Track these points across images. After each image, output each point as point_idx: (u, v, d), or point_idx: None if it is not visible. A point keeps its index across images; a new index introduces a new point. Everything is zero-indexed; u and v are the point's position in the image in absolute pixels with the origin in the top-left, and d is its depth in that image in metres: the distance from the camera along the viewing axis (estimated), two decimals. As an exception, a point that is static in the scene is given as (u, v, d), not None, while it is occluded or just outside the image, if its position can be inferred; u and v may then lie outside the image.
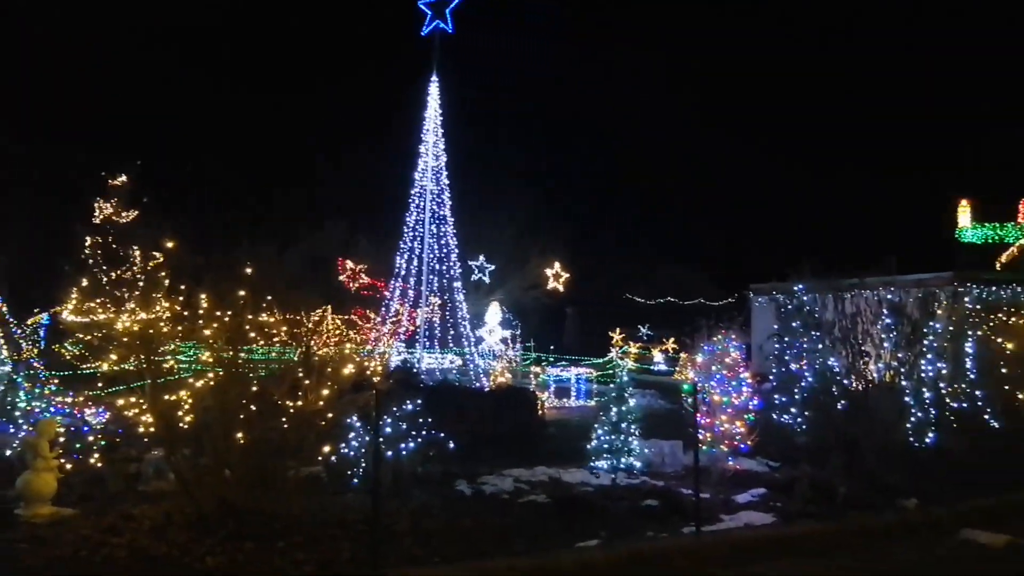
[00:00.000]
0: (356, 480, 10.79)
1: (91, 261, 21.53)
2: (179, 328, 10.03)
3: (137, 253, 20.81)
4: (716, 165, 73.16)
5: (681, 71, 79.39)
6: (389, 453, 10.84)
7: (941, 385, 13.75)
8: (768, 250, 41.84)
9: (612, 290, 51.95)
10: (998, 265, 32.53)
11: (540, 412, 18.48)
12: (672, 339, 35.41)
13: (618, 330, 35.77)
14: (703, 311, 14.74)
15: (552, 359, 29.84)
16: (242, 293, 9.87)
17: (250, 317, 9.82)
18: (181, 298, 9.96)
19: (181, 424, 9.52)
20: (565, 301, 35.87)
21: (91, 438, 11.13)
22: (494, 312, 28.20)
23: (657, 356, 36.62)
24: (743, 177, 71.36)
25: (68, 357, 20.09)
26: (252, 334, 9.97)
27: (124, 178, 22.02)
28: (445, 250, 23.35)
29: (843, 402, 13.31)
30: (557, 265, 32.88)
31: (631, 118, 74.52)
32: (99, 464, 11.13)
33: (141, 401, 9.64)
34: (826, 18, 78.11)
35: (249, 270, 10.42)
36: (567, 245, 36.36)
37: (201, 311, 9.77)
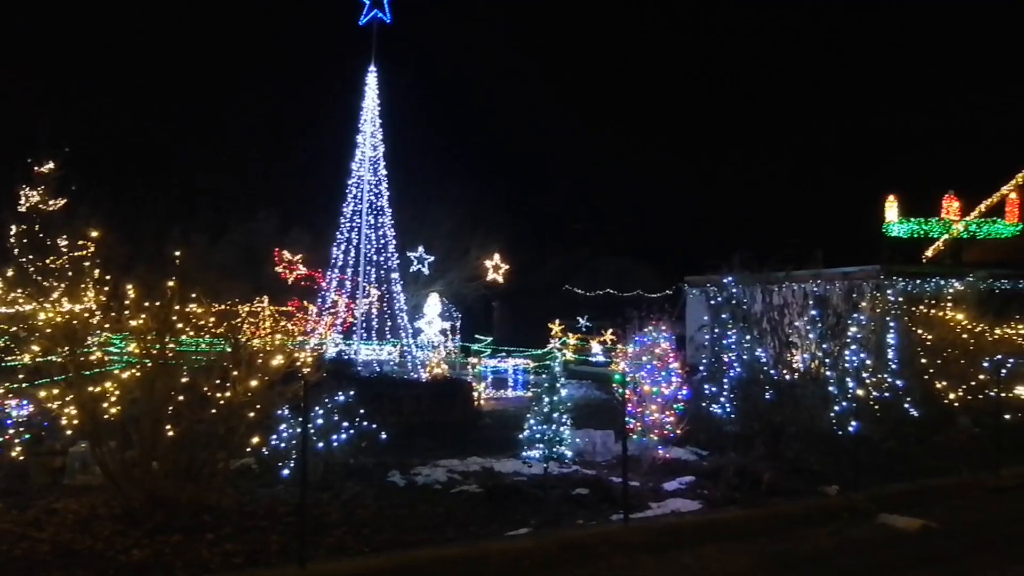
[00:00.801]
0: (287, 472, 10.73)
1: (16, 250, 21.03)
2: (106, 319, 9.89)
3: (64, 242, 20.40)
4: (657, 158, 74.02)
5: (622, 65, 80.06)
6: (320, 444, 10.82)
7: (864, 375, 14.15)
8: (706, 243, 42.43)
9: (552, 281, 52.24)
10: (924, 259, 33.53)
11: (476, 403, 18.57)
12: (610, 330, 35.77)
13: (557, 321, 36.00)
14: (642, 302, 14.94)
15: (491, 350, 29.94)
16: (171, 283, 9.76)
17: (178, 308, 9.70)
18: (107, 288, 9.80)
19: (107, 416, 9.39)
20: (505, 292, 35.99)
21: (12, 431, 10.89)
22: (433, 303, 28.18)
23: (595, 347, 36.94)
24: (684, 171, 72.35)
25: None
26: (181, 325, 9.86)
27: (51, 165, 21.51)
28: (383, 241, 23.24)
29: (770, 392, 13.64)
30: (497, 256, 32.97)
31: (571, 110, 75.02)
32: (22, 458, 10.92)
33: (65, 393, 9.48)
34: (760, 15, 79.46)
35: (179, 260, 10.30)
36: (508, 236, 36.51)
37: (128, 301, 9.63)
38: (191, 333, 10.16)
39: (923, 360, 15.74)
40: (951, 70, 71.43)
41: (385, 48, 24.09)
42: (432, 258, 29.34)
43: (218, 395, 9.46)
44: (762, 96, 78.59)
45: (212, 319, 9.96)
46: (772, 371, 13.95)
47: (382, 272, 23.33)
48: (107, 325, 9.93)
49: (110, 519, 9.21)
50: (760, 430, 13.37)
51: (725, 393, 14.27)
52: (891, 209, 30.47)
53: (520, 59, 78.40)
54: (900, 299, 17.05)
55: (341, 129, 24.75)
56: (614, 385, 13.51)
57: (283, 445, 10.84)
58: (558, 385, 12.89)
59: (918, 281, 20.86)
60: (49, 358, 9.76)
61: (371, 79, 23.56)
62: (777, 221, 50.93)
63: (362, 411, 11.67)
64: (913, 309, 17.05)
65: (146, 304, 9.67)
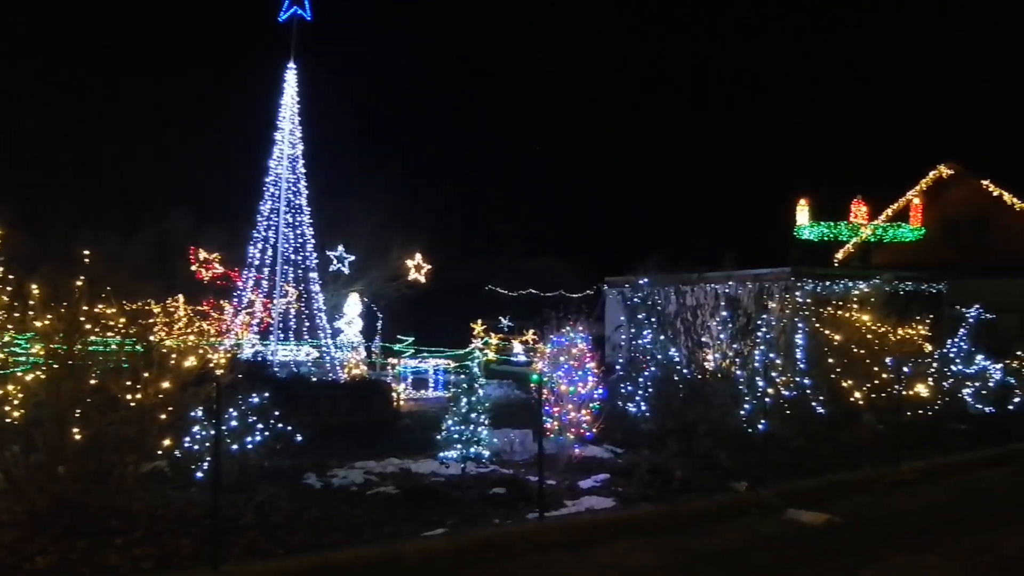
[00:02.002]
0: (200, 474, 10.58)
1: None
2: (9, 319, 9.58)
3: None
4: (580, 159, 74.70)
5: (543, 63, 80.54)
6: (235, 447, 10.70)
7: (773, 374, 14.59)
8: (628, 244, 43.12)
9: (475, 281, 52.31)
10: (835, 262, 34.62)
11: (395, 404, 18.52)
12: (531, 330, 36.00)
13: (480, 321, 36.08)
14: (563, 303, 15.13)
15: (412, 351, 29.85)
16: (79, 283, 9.51)
17: (87, 308, 9.46)
18: (10, 288, 9.49)
19: (9, 420, 9.11)
20: (427, 292, 35.87)
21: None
22: (353, 303, 27.95)
23: (517, 347, 37.15)
24: (606, 172, 73.22)
25: None
26: (90, 326, 9.62)
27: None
28: (301, 240, 22.96)
29: (683, 390, 13.97)
30: (419, 256, 32.86)
31: (494, 109, 75.19)
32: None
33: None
34: (675, 17, 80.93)
35: (88, 259, 10.04)
36: (430, 235, 36.39)
37: (33, 302, 9.35)
38: (100, 334, 9.91)
39: (830, 360, 16.27)
40: (863, 79, 73.86)
41: (305, 45, 23.84)
42: (352, 257, 29.09)
43: (129, 397, 9.26)
44: (679, 100, 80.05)
45: (123, 319, 9.73)
46: (685, 370, 14.27)
47: (300, 271, 23.05)
48: (10, 326, 9.60)
49: (13, 525, 8.96)
50: (673, 428, 13.68)
51: (640, 392, 14.54)
52: (802, 212, 31.37)
53: (441, 56, 78.26)
54: (809, 300, 17.59)
55: (259, 127, 24.37)
56: (532, 385, 13.66)
57: (196, 447, 10.69)
58: (476, 385, 12.98)
59: (827, 283, 21.52)
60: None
61: (290, 76, 23.26)
62: (694, 224, 51.96)
63: (277, 413, 11.56)
64: (821, 310, 17.59)
65: (52, 304, 9.41)
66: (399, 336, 31.09)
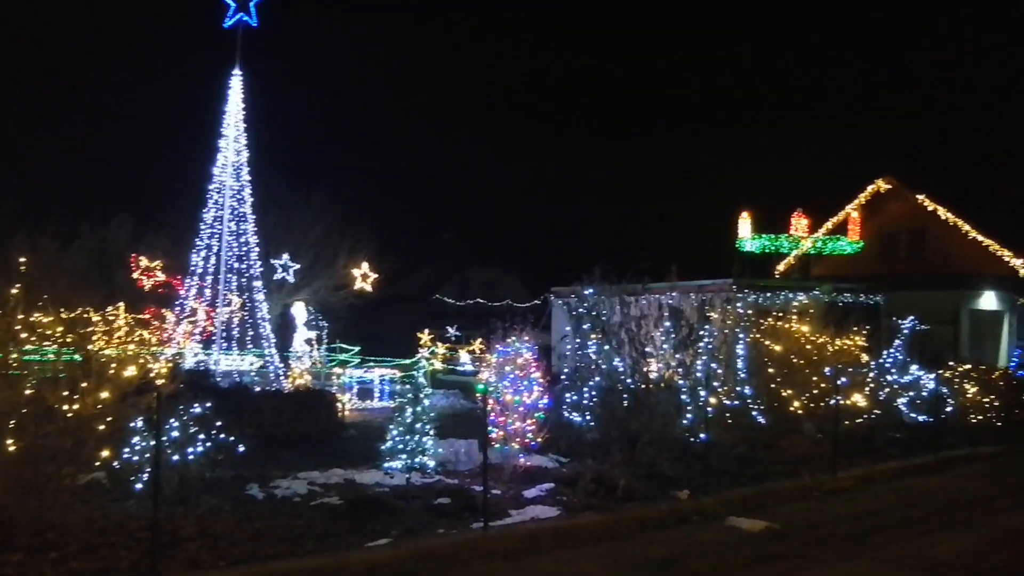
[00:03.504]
0: (140, 486, 10.41)
1: None
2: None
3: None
4: (527, 170, 75.05)
5: (486, 73, 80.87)
6: (175, 457, 10.54)
7: (715, 384, 14.82)
8: (574, 255, 43.34)
9: (423, 290, 52.20)
10: (777, 274, 35.21)
11: (340, 414, 18.41)
12: (479, 340, 36.02)
13: (427, 331, 35.98)
14: (510, 313, 15.20)
15: (358, 360, 29.65)
16: (15, 291, 9.33)
17: (23, 316, 9.28)
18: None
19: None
20: (374, 301, 35.68)
21: None
22: (299, 312, 27.69)
23: (464, 357, 37.12)
24: (552, 183, 73.65)
25: None
26: (26, 334, 9.43)
27: None
28: (245, 248, 22.69)
29: (627, 400, 14.11)
30: (366, 265, 32.68)
31: (442, 118, 75.24)
32: None
33: None
34: (620, 37, 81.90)
35: (24, 266, 9.85)
36: (377, 244, 36.22)
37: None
38: (37, 343, 9.72)
39: (770, 370, 16.58)
40: (805, 95, 75.41)
41: (251, 52, 23.58)
42: (298, 266, 28.83)
43: (66, 407, 9.09)
44: (625, 114, 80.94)
45: (60, 328, 9.56)
46: (629, 380, 14.42)
47: (244, 280, 22.76)
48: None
49: (-57, 539, 8.73)
50: (617, 437, 13.81)
51: (585, 402, 14.66)
52: (745, 225, 31.86)
53: (388, 65, 78.16)
54: (750, 311, 17.90)
55: (203, 134, 24.02)
56: (478, 395, 13.69)
57: (136, 458, 10.50)
58: (422, 395, 12.96)
59: (768, 294, 21.89)
60: None
61: (235, 83, 22.98)
62: (639, 236, 52.56)
63: (220, 423, 11.41)
64: (762, 321, 17.92)
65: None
66: (344, 346, 30.90)
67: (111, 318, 13.86)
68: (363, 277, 32.04)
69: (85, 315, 10.46)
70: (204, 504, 10.52)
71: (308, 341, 26.72)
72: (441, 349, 36.42)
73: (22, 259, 9.75)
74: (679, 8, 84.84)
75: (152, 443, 9.67)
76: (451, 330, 41.22)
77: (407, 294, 48.52)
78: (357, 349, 31.12)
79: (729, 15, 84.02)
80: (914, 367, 19.45)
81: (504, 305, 51.15)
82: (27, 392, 9.24)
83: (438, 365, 32.67)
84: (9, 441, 8.88)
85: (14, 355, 9.24)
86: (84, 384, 9.12)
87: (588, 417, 14.60)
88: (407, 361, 29.09)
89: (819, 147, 61.59)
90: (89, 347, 9.64)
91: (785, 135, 68.99)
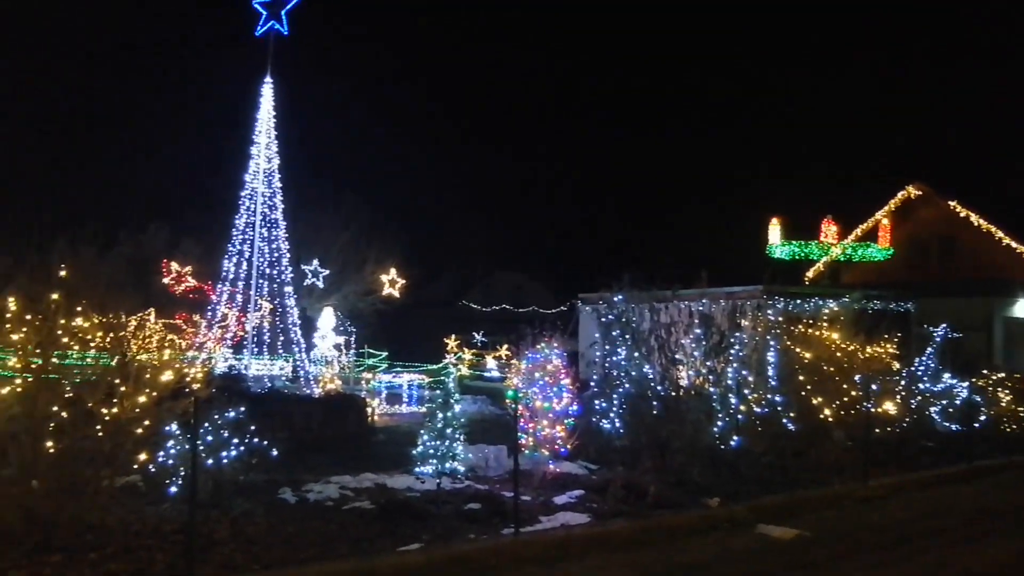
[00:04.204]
0: (175, 489, 10.54)
1: None
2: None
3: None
4: (553, 175, 75.09)
5: (517, 80, 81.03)
6: (210, 461, 10.66)
7: (745, 391, 14.77)
8: (601, 261, 43.37)
9: (449, 296, 52.38)
10: (806, 280, 35.04)
11: (370, 419, 18.52)
12: (505, 346, 36.08)
13: (453, 336, 36.11)
14: (537, 319, 15.26)
15: (386, 365, 29.84)
16: (55, 296, 9.50)
17: (63, 322, 9.45)
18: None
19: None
20: (401, 307, 35.92)
21: None
22: (327, 317, 27.94)
23: (490, 362, 37.20)
24: (579, 190, 73.66)
25: None
26: (66, 339, 9.60)
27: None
28: (276, 254, 22.93)
29: (657, 407, 14.10)
30: (393, 271, 32.90)
31: (468, 125, 75.49)
32: None
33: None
34: (645, 34, 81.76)
35: (64, 272, 10.02)
36: (404, 250, 36.50)
37: (9, 315, 9.32)
38: (76, 347, 9.89)
39: (801, 377, 16.48)
40: (835, 101, 74.92)
41: (282, 59, 23.88)
42: (327, 272, 29.12)
43: (104, 411, 9.25)
44: (654, 118, 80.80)
45: (99, 333, 9.72)
46: (659, 387, 14.41)
47: (275, 285, 23.01)
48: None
49: (-15, 539, 8.89)
50: (647, 444, 13.79)
51: (615, 408, 14.67)
52: (774, 232, 31.77)
53: (417, 71, 78.56)
54: (780, 318, 17.81)
55: (236, 141, 24.37)
56: (507, 401, 13.74)
57: (171, 462, 10.65)
58: (452, 401, 13.02)
59: (798, 301, 21.80)
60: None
61: (266, 90, 23.29)
62: (667, 242, 52.40)
63: (252, 427, 11.54)
64: (792, 328, 17.81)
65: (28, 317, 9.38)
66: (372, 351, 31.11)
67: (145, 323, 14.06)
68: (391, 283, 32.31)
69: (122, 320, 10.60)
70: (237, 508, 10.63)
71: (337, 346, 26.95)
72: (468, 355, 36.49)
73: (62, 265, 9.90)
74: (708, 11, 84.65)
75: (187, 447, 9.85)
76: (477, 336, 41.32)
77: (433, 299, 48.72)
78: (384, 354, 31.33)
79: (759, 19, 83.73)
80: (946, 375, 19.27)
81: (530, 311, 51.29)
82: (66, 395, 9.41)
83: (465, 371, 32.76)
84: (49, 444, 9.05)
85: (55, 359, 9.40)
86: (123, 388, 9.27)
87: (617, 424, 14.60)
88: (434, 366, 29.22)
89: (848, 154, 61.17)
90: (127, 352, 9.78)
91: (814, 142, 68.61)
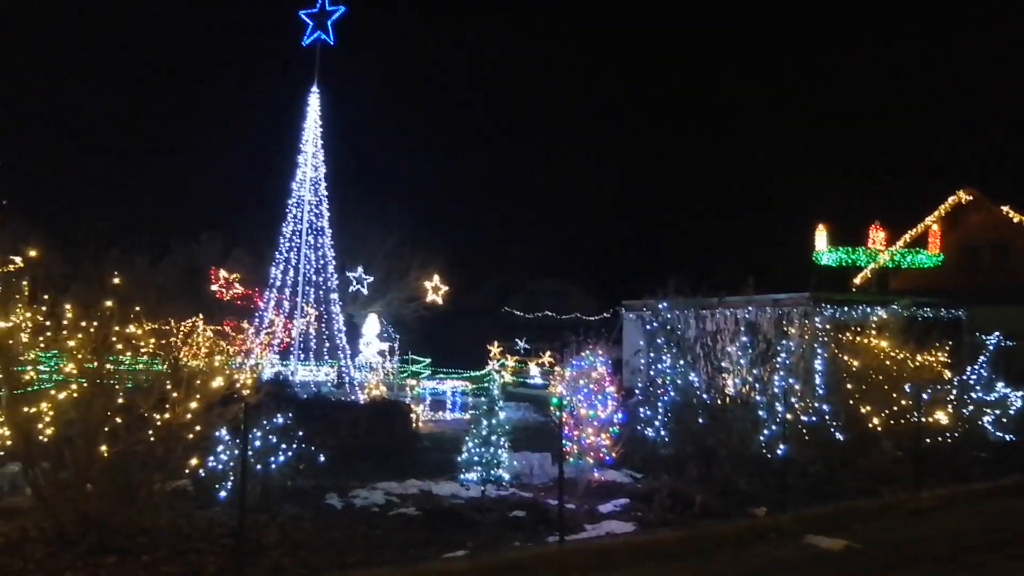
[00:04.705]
0: (224, 494, 10.70)
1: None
2: (41, 338, 9.79)
3: (-9, 258, 19.90)
4: (594, 182, 74.96)
5: (560, 87, 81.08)
6: (258, 467, 10.81)
7: (792, 400, 14.59)
8: (644, 268, 43.17)
9: (491, 302, 52.48)
10: (853, 287, 34.55)
11: (414, 425, 18.61)
12: (548, 352, 36.03)
13: (496, 343, 36.17)
14: (580, 326, 15.23)
15: (429, 372, 29.98)
16: (109, 304, 9.70)
17: (117, 328, 9.66)
18: (44, 308, 9.70)
19: (41, 437, 9.28)
20: (444, 313, 36.11)
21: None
22: (372, 324, 28.17)
23: (533, 369, 37.18)
24: (620, 195, 73.42)
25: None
26: (119, 345, 9.81)
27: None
28: (322, 261, 23.21)
29: (702, 415, 14.00)
30: (437, 277, 33.08)
31: (509, 132, 75.68)
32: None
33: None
34: (693, 41, 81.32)
35: (118, 280, 10.24)
36: (447, 257, 36.71)
37: (66, 321, 9.55)
38: (129, 353, 10.10)
39: (849, 386, 16.25)
40: (883, 104, 73.86)
41: (328, 68, 24.18)
42: (371, 278, 29.41)
43: (156, 416, 9.43)
44: (698, 122, 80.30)
45: (152, 340, 9.92)
46: (705, 395, 14.31)
47: (321, 292, 23.27)
48: (43, 344, 9.82)
49: (42, 542, 9.10)
50: (692, 453, 13.71)
51: (660, 417, 14.59)
52: (820, 238, 31.40)
53: (459, 79, 78.94)
54: (827, 326, 17.56)
55: (284, 150, 24.76)
56: (551, 408, 13.74)
57: (220, 467, 10.82)
58: (496, 408, 13.05)
59: (845, 308, 21.51)
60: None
61: (313, 100, 23.61)
62: (712, 247, 51.99)
63: (300, 433, 11.68)
64: (840, 336, 17.58)
65: (83, 324, 9.60)
66: (416, 357, 31.31)
67: (196, 330, 14.30)
68: (434, 289, 32.48)
69: (174, 327, 10.81)
70: (285, 513, 10.76)
71: (381, 352, 27.15)
72: (510, 361, 36.49)
73: (116, 273, 10.12)
74: (755, 12, 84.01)
75: (237, 452, 10.00)
76: (520, 342, 41.33)
77: (475, 306, 48.86)
78: (428, 360, 31.49)
79: (806, 22, 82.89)
80: (1000, 384, 18.84)
81: (573, 318, 51.19)
82: (120, 401, 9.61)
83: (508, 378, 32.79)
84: (103, 448, 9.25)
85: (109, 365, 9.61)
86: (175, 394, 9.44)
87: (662, 432, 14.52)
88: (477, 373, 29.30)
89: (896, 159, 60.20)
90: (178, 358, 9.97)
91: (861, 146, 67.67)
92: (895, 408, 16.22)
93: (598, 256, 58.13)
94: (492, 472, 12.65)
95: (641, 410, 14.91)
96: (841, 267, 32.07)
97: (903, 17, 80.00)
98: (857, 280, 35.10)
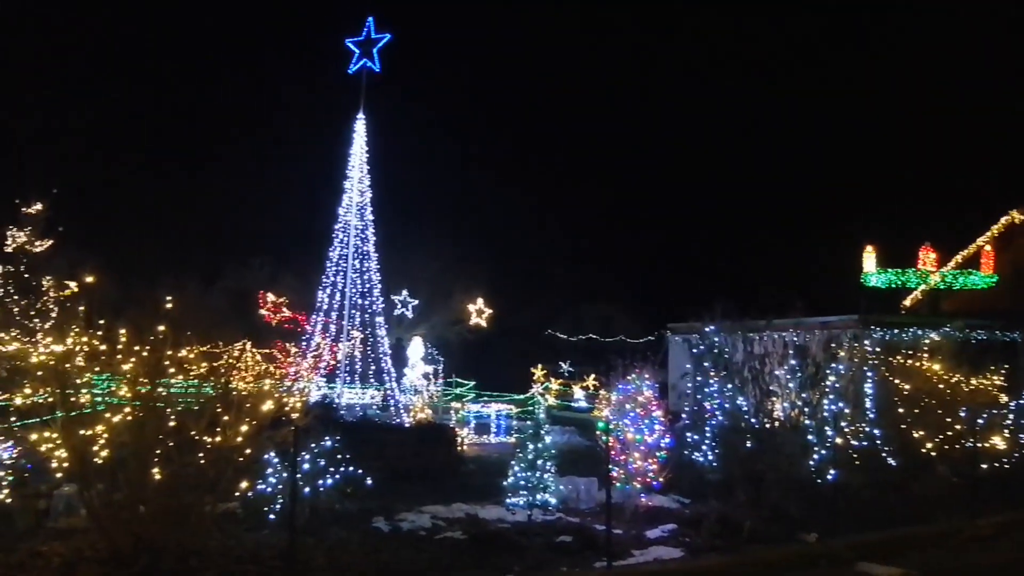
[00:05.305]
0: (272, 516, 10.79)
1: (1, 291, 21.02)
2: (95, 362, 9.99)
3: (49, 283, 20.42)
4: (638, 205, 74.77)
5: (603, 111, 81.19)
6: (307, 490, 10.89)
7: (843, 424, 14.36)
8: (688, 291, 42.83)
9: (534, 326, 52.34)
10: (902, 309, 33.94)
11: (459, 448, 18.62)
12: (592, 376, 35.84)
13: (540, 366, 36.06)
14: (624, 349, 15.15)
15: (473, 395, 29.99)
16: (162, 328, 9.88)
17: (170, 352, 9.82)
18: (99, 332, 9.90)
19: (96, 459, 9.45)
20: (487, 336, 36.14)
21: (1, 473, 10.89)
22: (416, 347, 28.29)
23: (578, 393, 36.99)
24: (665, 219, 73.11)
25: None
26: (172, 369, 9.97)
27: (39, 207, 21.64)
28: (368, 285, 23.41)
29: (751, 440, 13.83)
30: (480, 300, 33.15)
31: (554, 157, 75.86)
32: (7, 500, 10.91)
33: (55, 435, 9.54)
34: (738, 61, 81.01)
35: (171, 304, 10.43)
36: (490, 280, 36.77)
37: (120, 345, 9.74)
38: (181, 377, 10.26)
39: (900, 410, 15.96)
40: (932, 124, 72.84)
41: (374, 95, 24.49)
42: (416, 302, 29.57)
43: (207, 439, 9.55)
44: (743, 144, 79.80)
45: (203, 364, 10.08)
46: (753, 419, 14.15)
47: (367, 316, 23.45)
48: (98, 368, 10.02)
49: (96, 562, 9.24)
50: (741, 478, 13.52)
51: (707, 441, 14.43)
52: (869, 259, 30.96)
53: (503, 106, 79.44)
54: (878, 349, 17.30)
55: (331, 175, 25.10)
56: (598, 432, 13.66)
57: (269, 490, 10.92)
58: (542, 432, 13.01)
59: (895, 331, 21.17)
60: (39, 399, 9.84)
61: (359, 126, 23.91)
62: (757, 270, 51.40)
63: (347, 456, 11.75)
64: (891, 359, 17.29)
65: (136, 348, 9.78)
66: (460, 380, 31.34)
67: (248, 353, 14.49)
68: (478, 312, 32.51)
69: (224, 350, 10.96)
70: (333, 536, 10.81)
71: (425, 375, 27.23)
72: (554, 385, 36.34)
73: (168, 298, 10.30)
74: (797, 34, 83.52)
75: (285, 475, 10.09)
76: (564, 365, 41.15)
77: (519, 329, 48.71)
78: (472, 383, 31.51)
79: (854, 41, 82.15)
80: (1059, 408, 18.35)
81: (616, 341, 50.90)
82: (171, 423, 9.75)
83: (551, 401, 32.65)
84: (155, 470, 9.39)
85: (161, 389, 9.77)
86: (226, 417, 9.55)
87: (710, 457, 14.36)
88: (521, 396, 29.24)
89: (948, 179, 59.14)
90: (229, 381, 10.10)
91: (909, 166, 66.67)
92: (949, 433, 15.90)
93: (642, 279, 57.77)
94: (538, 496, 12.60)
95: (688, 434, 14.77)
96: (890, 289, 31.56)
97: (957, 35, 78.97)
98: (907, 302, 34.47)
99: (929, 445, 15.91)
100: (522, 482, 12.68)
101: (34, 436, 9.57)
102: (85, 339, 9.84)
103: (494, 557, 10.33)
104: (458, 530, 11.33)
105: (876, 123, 77.57)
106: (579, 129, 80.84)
